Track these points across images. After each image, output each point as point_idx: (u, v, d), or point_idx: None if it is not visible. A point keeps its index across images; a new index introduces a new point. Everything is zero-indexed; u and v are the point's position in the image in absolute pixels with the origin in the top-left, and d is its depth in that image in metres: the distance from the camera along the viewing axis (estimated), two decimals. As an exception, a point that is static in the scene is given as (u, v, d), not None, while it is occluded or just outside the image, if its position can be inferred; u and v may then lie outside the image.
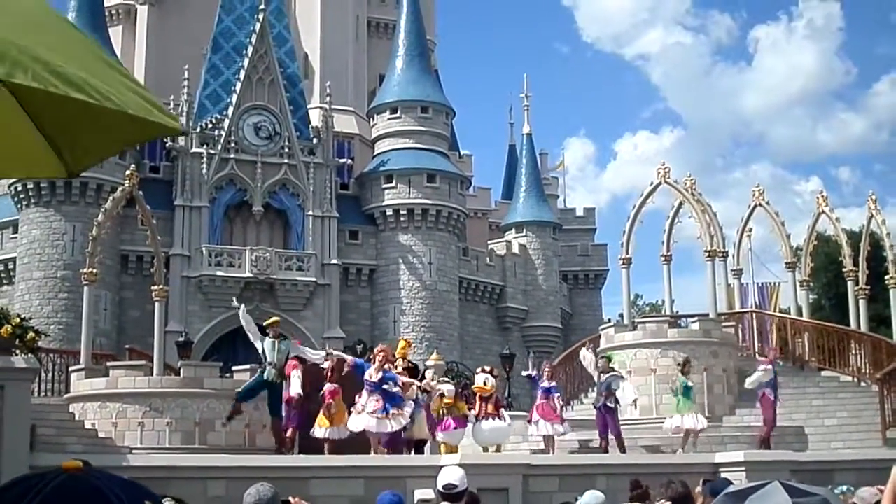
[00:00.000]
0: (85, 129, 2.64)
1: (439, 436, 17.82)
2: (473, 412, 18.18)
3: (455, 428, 17.72)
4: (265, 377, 18.03)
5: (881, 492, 8.67)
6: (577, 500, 7.86)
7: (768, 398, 20.37)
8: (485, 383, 18.18)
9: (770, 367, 20.59)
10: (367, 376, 17.25)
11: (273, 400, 18.19)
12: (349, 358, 18.69)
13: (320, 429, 17.67)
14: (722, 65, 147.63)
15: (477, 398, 18.28)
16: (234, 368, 23.32)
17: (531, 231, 52.33)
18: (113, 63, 2.54)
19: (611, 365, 19.88)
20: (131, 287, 41.73)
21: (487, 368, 19.14)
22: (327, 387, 17.74)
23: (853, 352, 26.72)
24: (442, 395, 17.94)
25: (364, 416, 16.99)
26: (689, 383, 20.15)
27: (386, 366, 17.41)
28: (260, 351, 18.23)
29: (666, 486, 6.37)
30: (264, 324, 19.15)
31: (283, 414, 18.10)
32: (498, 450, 18.20)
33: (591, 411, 21.26)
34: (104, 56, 2.54)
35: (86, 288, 26.24)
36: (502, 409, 18.67)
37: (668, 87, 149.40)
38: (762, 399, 20.57)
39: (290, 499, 6.11)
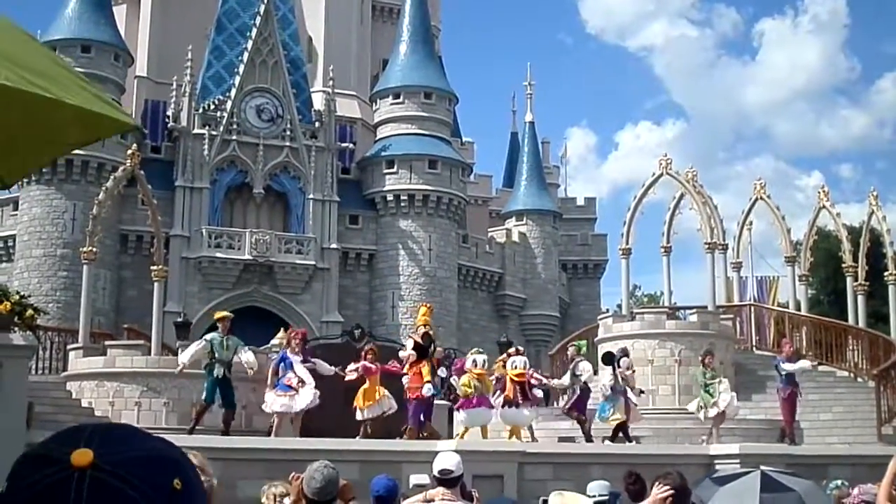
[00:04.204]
0: (28, 136, 2.38)
1: (460, 415, 17.68)
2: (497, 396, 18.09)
3: (479, 406, 17.48)
4: (216, 376, 17.91)
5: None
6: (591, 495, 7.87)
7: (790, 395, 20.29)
8: (524, 366, 18.27)
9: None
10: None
11: (225, 393, 18.11)
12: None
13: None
14: (726, 58, 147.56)
15: (509, 382, 18.15)
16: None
17: (531, 219, 52.30)
18: (65, 64, 2.34)
19: (581, 353, 19.88)
20: (130, 267, 41.71)
21: (522, 349, 19.28)
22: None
23: (850, 347, 26.77)
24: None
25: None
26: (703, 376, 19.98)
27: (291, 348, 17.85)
28: (200, 347, 18.11)
29: (663, 477, 6.36)
30: (215, 316, 19.16)
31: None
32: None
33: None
34: (58, 59, 2.35)
35: (85, 266, 26.27)
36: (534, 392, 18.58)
37: (672, 79, 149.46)
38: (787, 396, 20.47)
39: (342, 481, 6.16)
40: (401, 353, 18.38)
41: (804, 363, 20.75)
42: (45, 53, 2.33)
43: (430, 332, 18.31)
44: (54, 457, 1.61)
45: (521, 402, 17.80)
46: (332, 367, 18.39)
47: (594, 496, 7.83)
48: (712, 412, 19.53)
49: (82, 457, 1.59)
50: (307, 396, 17.45)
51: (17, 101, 2.13)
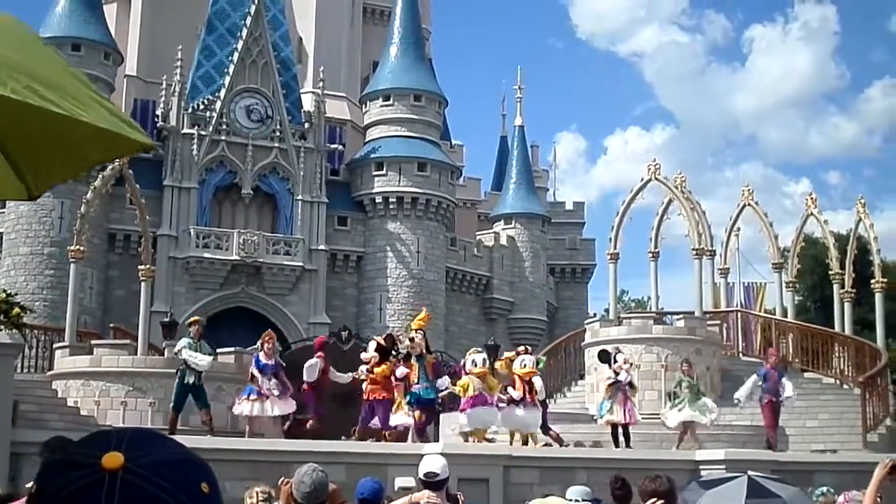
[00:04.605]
0: (52, 149, 2.39)
1: (462, 417, 17.41)
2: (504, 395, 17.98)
3: (477, 406, 17.12)
4: (186, 382, 17.80)
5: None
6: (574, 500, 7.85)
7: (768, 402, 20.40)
8: (535, 364, 18.28)
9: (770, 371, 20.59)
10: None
11: (198, 395, 18.11)
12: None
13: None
14: (716, 64, 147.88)
15: (518, 381, 18.02)
16: (218, 351, 23.21)
17: (520, 223, 52.31)
18: (80, 76, 2.31)
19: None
20: (118, 266, 41.61)
21: (530, 349, 19.31)
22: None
23: (837, 354, 26.84)
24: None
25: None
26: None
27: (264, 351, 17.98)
28: (187, 356, 17.97)
29: (652, 480, 6.34)
30: (186, 322, 19.12)
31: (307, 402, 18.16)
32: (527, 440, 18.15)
33: (571, 404, 21.55)
34: (72, 70, 2.31)
35: (72, 265, 26.18)
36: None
37: (662, 85, 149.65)
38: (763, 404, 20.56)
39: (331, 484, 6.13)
40: (363, 355, 18.32)
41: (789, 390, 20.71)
42: (54, 58, 2.28)
43: (393, 335, 18.48)
44: (82, 461, 1.61)
45: (528, 400, 17.75)
46: (349, 374, 18.34)
47: (575, 501, 7.82)
48: (670, 423, 19.86)
49: (113, 460, 1.59)
50: (281, 406, 17.56)
51: (28, 114, 2.09)
